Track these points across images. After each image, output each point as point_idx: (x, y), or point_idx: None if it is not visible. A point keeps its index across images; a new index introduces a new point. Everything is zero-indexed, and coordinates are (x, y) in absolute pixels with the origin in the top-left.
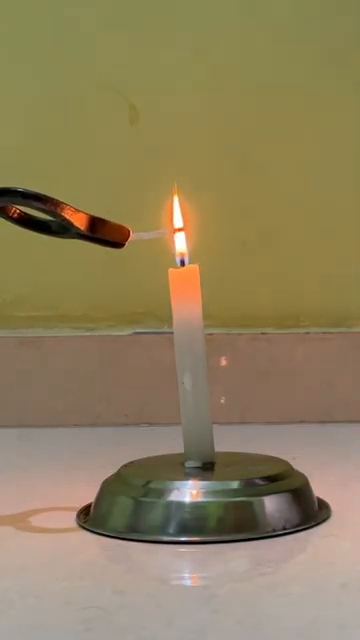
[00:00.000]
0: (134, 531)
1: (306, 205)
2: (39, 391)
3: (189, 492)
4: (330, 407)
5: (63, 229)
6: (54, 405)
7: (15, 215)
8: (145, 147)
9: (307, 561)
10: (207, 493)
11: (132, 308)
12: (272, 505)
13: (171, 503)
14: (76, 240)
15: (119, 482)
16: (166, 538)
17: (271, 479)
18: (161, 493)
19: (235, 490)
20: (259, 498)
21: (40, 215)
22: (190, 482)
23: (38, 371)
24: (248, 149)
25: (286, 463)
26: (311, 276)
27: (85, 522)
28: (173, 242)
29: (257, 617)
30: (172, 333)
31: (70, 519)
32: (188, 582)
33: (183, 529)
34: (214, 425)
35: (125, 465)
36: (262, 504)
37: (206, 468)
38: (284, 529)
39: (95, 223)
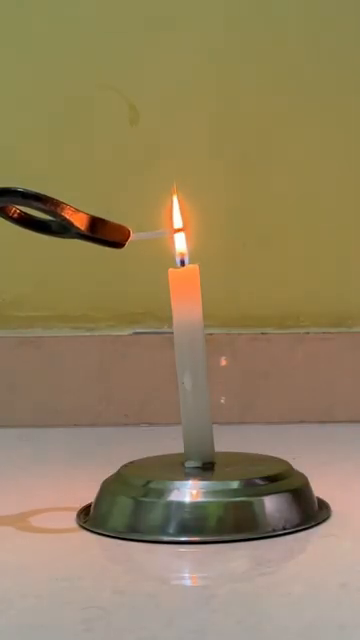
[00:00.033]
0: (134, 531)
1: (306, 205)
2: (39, 391)
3: (189, 492)
4: (330, 407)
5: (63, 229)
6: (54, 405)
7: (15, 215)
8: (145, 147)
9: (307, 561)
10: (207, 493)
11: (132, 308)
12: (272, 505)
13: (171, 503)
14: (76, 240)
15: (119, 482)
16: (166, 538)
17: (271, 479)
18: (161, 493)
19: (235, 490)
20: (259, 498)
21: (40, 215)
22: (190, 482)
23: (38, 371)
24: (248, 149)
25: (286, 463)
26: (311, 276)
27: (85, 522)
28: (173, 242)
29: (257, 617)
30: (172, 333)
31: (70, 519)
32: (188, 582)
33: (183, 529)
34: (214, 425)
35: (125, 465)
36: (262, 504)
37: (206, 468)
38: (284, 529)
39: (95, 223)
